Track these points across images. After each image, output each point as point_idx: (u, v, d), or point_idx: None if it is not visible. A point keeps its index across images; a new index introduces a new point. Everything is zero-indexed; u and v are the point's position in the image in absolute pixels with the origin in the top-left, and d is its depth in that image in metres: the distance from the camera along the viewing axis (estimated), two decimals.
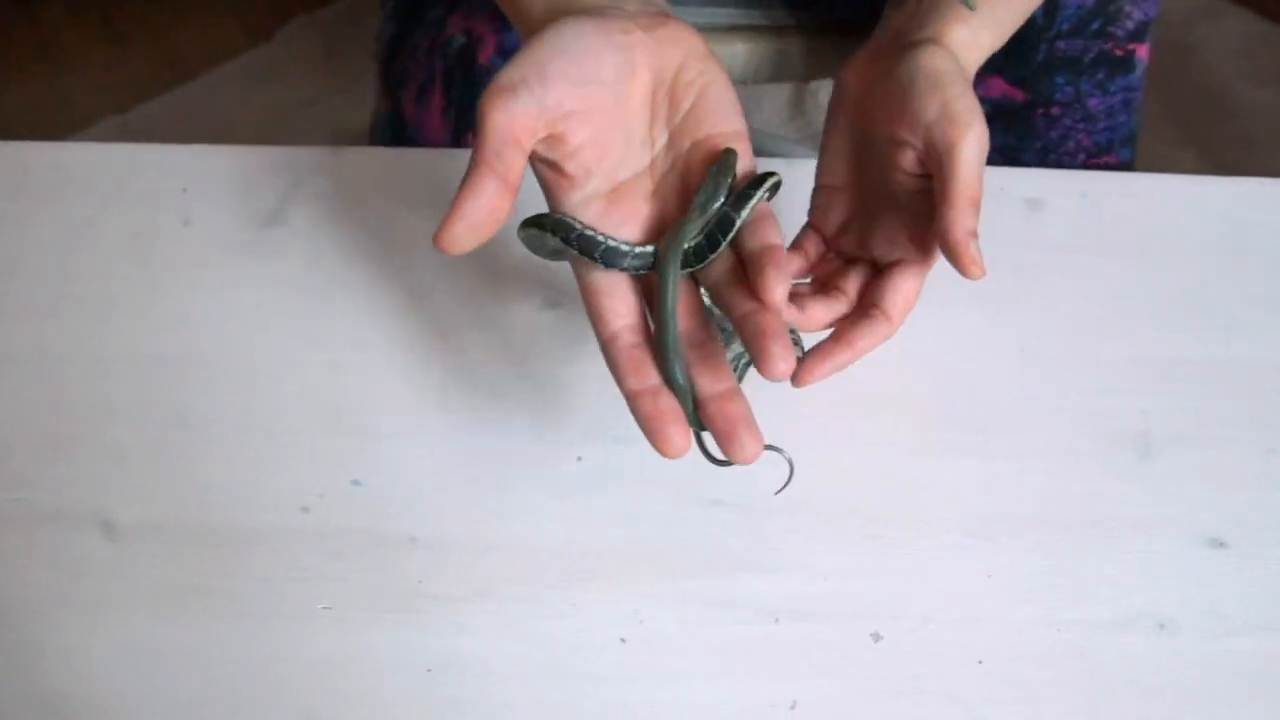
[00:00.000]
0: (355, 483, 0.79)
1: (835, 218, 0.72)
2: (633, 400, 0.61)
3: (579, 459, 0.79)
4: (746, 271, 0.60)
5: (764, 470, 0.78)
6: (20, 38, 2.23)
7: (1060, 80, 1.02)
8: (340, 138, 2.04)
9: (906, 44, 0.69)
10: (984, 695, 0.72)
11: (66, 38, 2.24)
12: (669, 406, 0.59)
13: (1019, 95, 1.03)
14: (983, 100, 0.66)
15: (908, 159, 0.66)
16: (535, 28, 0.64)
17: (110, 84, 2.17)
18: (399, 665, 0.74)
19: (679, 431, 0.59)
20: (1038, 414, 0.80)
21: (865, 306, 0.68)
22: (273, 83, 2.15)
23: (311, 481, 0.79)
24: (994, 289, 0.83)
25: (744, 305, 0.59)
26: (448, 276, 0.85)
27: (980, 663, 0.73)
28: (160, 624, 0.75)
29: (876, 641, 0.74)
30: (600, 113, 0.61)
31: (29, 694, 0.74)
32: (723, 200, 0.61)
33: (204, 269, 0.86)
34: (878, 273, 0.69)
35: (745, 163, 0.63)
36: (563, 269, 0.83)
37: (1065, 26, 1.00)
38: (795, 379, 0.66)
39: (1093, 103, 1.02)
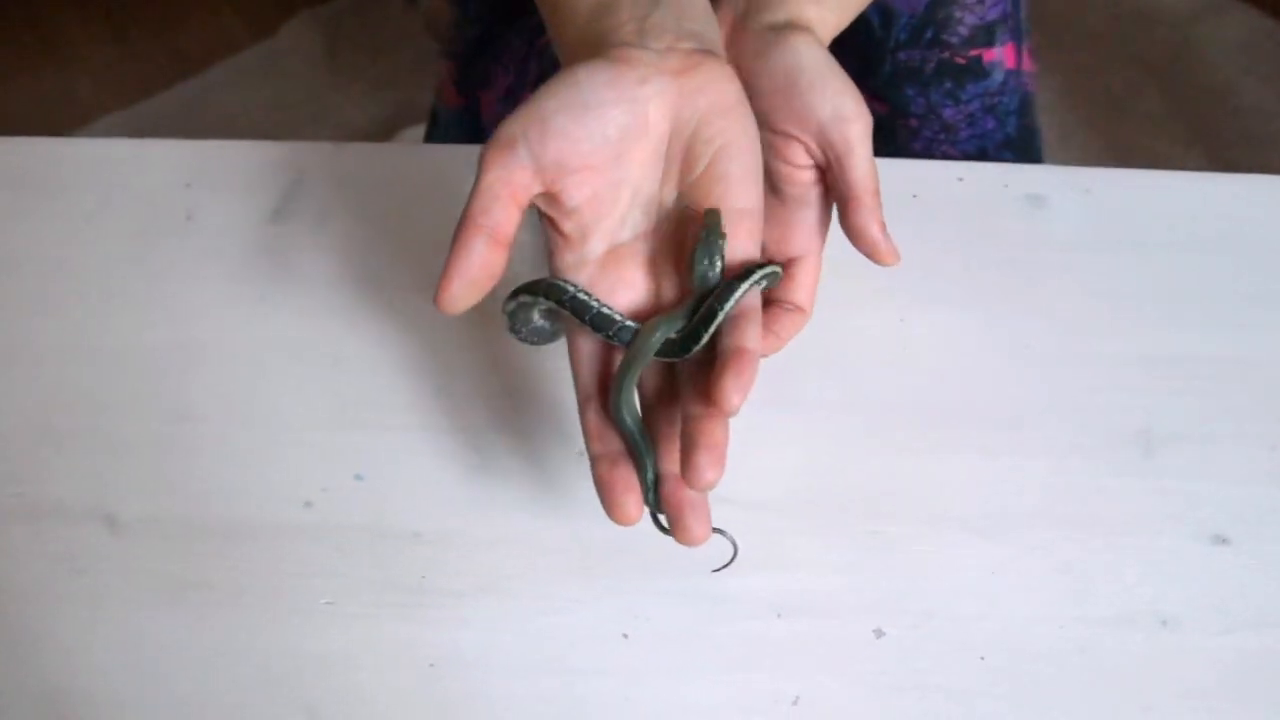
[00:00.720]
0: (358, 477, 0.79)
1: None
2: (594, 463, 0.61)
3: (580, 453, 0.78)
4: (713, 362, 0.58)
5: (766, 470, 0.78)
6: (24, 33, 2.23)
7: (910, 92, 1.02)
8: (343, 133, 2.04)
9: (767, 26, 0.67)
10: (986, 691, 0.72)
11: (71, 33, 2.24)
12: (624, 476, 0.59)
13: (881, 107, 1.03)
14: None
15: (798, 154, 0.65)
16: (565, 56, 0.63)
17: (114, 79, 2.17)
18: (401, 660, 0.74)
19: (632, 501, 0.59)
20: (1040, 411, 0.80)
21: (777, 304, 0.69)
22: (276, 78, 2.15)
23: (314, 476, 0.79)
24: (996, 286, 0.83)
25: (694, 407, 0.58)
26: None
27: (983, 659, 0.73)
28: (162, 618, 0.75)
29: (879, 637, 0.74)
30: (601, 172, 0.59)
31: (30, 688, 0.74)
32: (713, 283, 0.60)
33: (206, 264, 0.86)
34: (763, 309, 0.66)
35: (745, 243, 0.61)
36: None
37: (902, 37, 1.00)
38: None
39: (947, 113, 1.02)
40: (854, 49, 1.06)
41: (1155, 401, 0.80)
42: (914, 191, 0.87)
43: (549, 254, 0.63)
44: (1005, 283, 0.83)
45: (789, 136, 0.65)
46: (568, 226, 0.60)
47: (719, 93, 0.61)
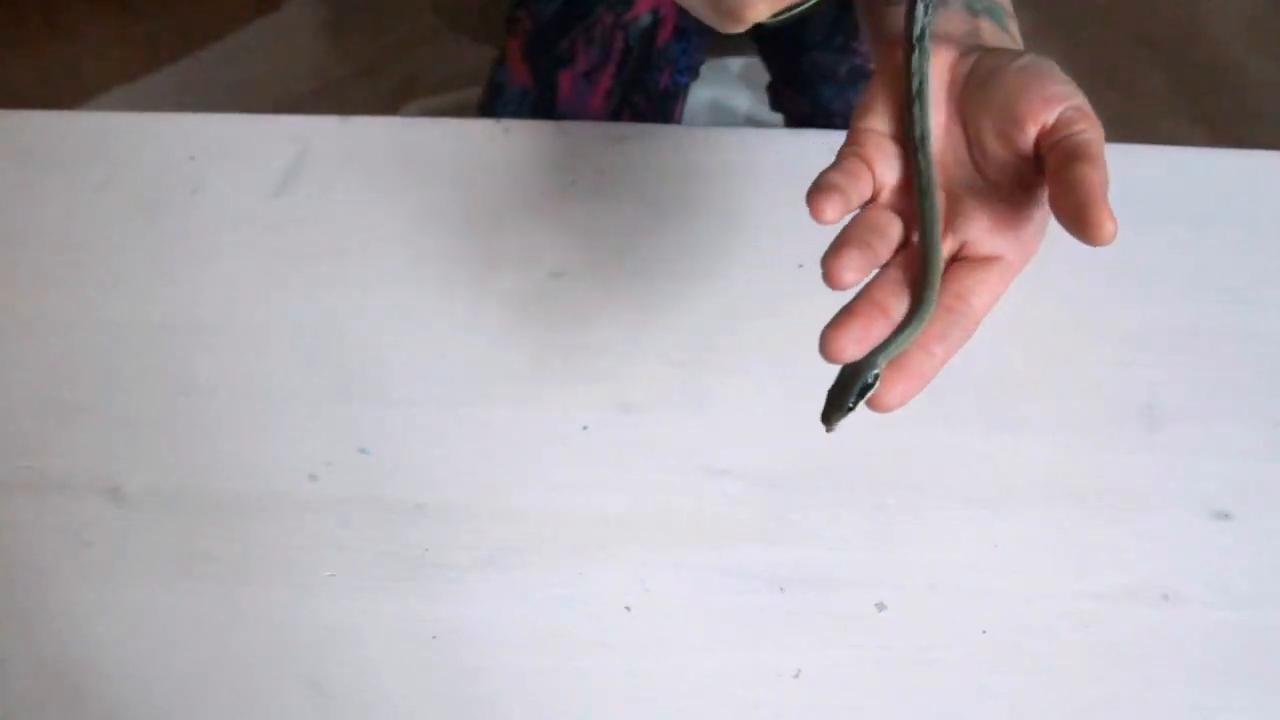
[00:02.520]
0: (362, 451, 0.78)
1: (891, 174, 0.63)
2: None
3: (585, 428, 0.78)
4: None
5: (769, 444, 0.78)
6: (29, 7, 2.22)
7: (828, 92, 1.01)
8: (348, 107, 2.04)
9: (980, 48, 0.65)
10: (988, 664, 0.72)
11: (75, 7, 2.23)
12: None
13: (804, 106, 1.03)
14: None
15: (1027, 137, 0.60)
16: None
17: (119, 53, 2.16)
18: (404, 633, 0.74)
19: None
20: (1044, 386, 0.79)
21: (947, 300, 0.62)
22: (280, 53, 2.14)
23: (319, 449, 0.79)
24: None
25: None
26: (455, 245, 0.84)
27: (984, 632, 0.73)
28: (167, 590, 0.75)
29: (881, 611, 0.74)
30: None
31: (37, 658, 0.74)
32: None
33: (211, 237, 0.86)
34: (957, 263, 0.62)
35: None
36: (570, 239, 0.83)
37: (816, 38, 0.99)
38: (884, 405, 0.59)
39: None
40: (776, 46, 1.07)
41: (1159, 377, 0.79)
42: None
43: None
44: None
45: (1024, 121, 0.61)
46: None
47: None
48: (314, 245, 0.85)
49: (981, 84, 0.62)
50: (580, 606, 0.74)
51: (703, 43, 1.00)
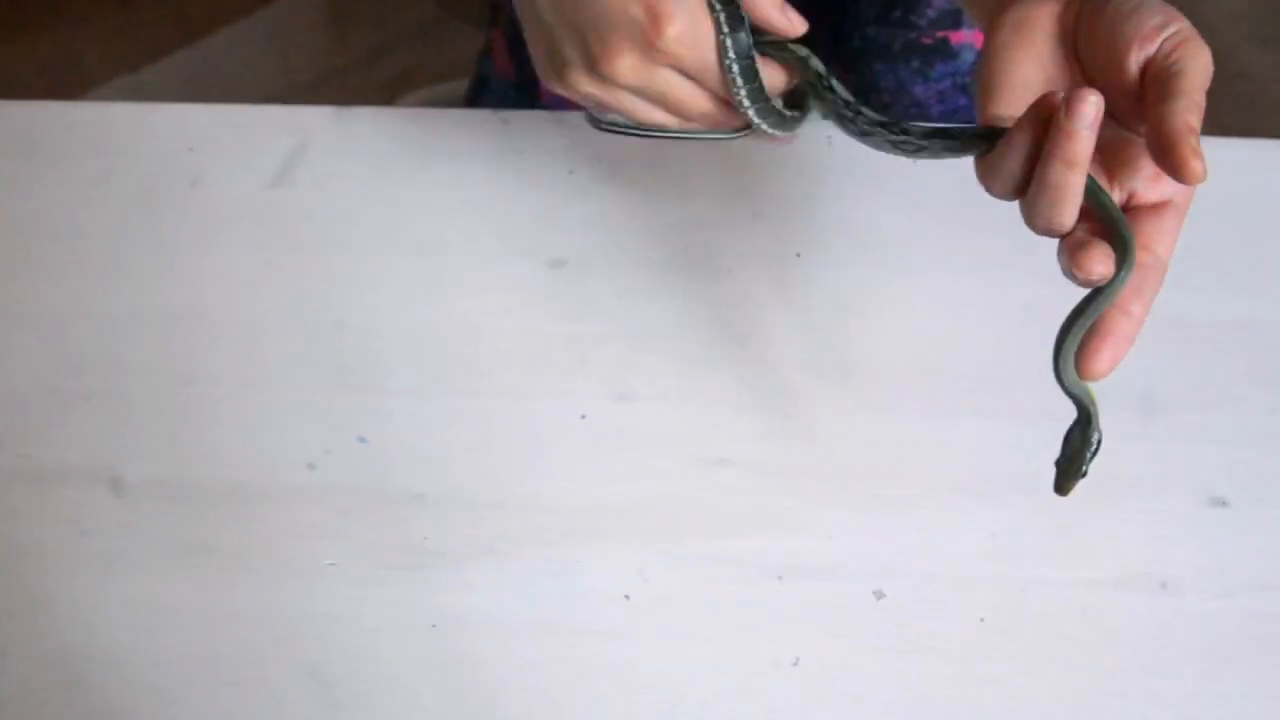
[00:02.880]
0: (361, 440, 0.78)
1: None
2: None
3: (583, 417, 0.78)
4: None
5: (765, 433, 0.78)
6: None
7: (879, 68, 1.01)
8: (347, 98, 2.03)
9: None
10: (985, 653, 0.72)
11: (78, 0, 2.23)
12: None
13: (851, 80, 1.02)
14: None
15: (1133, 77, 0.59)
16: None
17: (119, 44, 2.16)
18: (404, 621, 0.74)
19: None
20: (1039, 374, 0.79)
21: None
22: (280, 44, 2.14)
23: (317, 438, 0.78)
24: (994, 249, 0.82)
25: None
26: (452, 235, 0.84)
27: (982, 620, 0.73)
28: (167, 579, 0.75)
29: (879, 599, 0.74)
30: None
31: (38, 648, 0.74)
32: None
33: (211, 228, 0.85)
34: (1132, 213, 0.62)
35: None
36: (568, 229, 0.83)
37: (870, 14, 0.99)
38: (1096, 373, 0.60)
39: (917, 90, 1.01)
40: (827, 19, 1.06)
41: (1156, 365, 0.79)
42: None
43: None
44: (1003, 246, 0.82)
45: (1130, 54, 0.59)
46: None
47: None
48: (313, 236, 0.85)
49: (1089, 31, 0.60)
50: (579, 595, 0.74)
51: None
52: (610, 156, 0.85)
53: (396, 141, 0.88)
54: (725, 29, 0.59)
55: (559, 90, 0.64)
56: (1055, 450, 0.77)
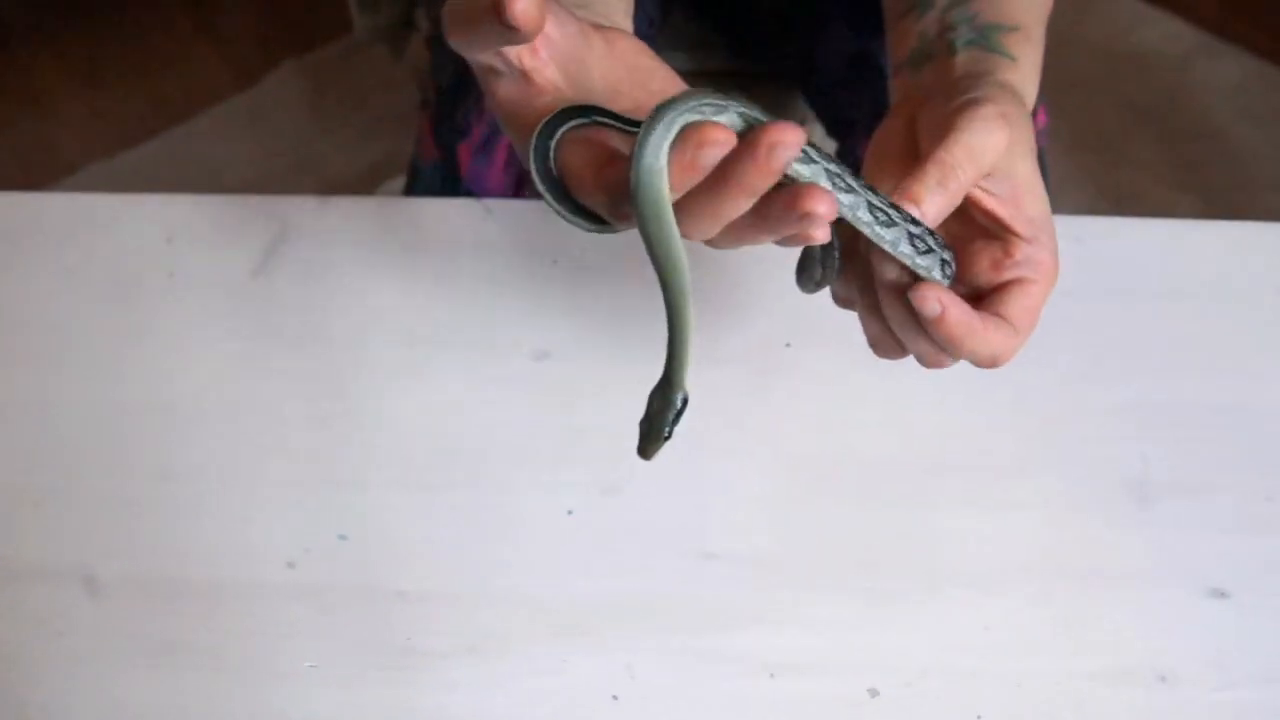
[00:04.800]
0: (341, 537, 0.78)
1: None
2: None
3: (569, 512, 0.78)
4: None
5: (756, 525, 0.78)
6: (3, 83, 2.24)
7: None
8: (328, 182, 2.05)
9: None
10: None
11: (49, 81, 2.25)
12: None
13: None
14: None
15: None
16: None
17: (94, 129, 2.18)
18: None
19: None
20: (1034, 463, 0.80)
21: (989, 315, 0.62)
22: (260, 127, 2.16)
23: (297, 535, 0.79)
24: None
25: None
26: (435, 327, 0.85)
27: (979, 717, 0.73)
28: (142, 681, 0.75)
29: (873, 696, 0.73)
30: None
31: None
32: None
33: (188, 320, 0.86)
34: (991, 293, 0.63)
35: None
36: (553, 320, 0.83)
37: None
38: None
39: None
40: (870, 89, 1.07)
41: (1150, 452, 0.80)
42: None
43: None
44: None
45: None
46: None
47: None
48: (292, 327, 0.86)
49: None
50: (566, 695, 0.74)
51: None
52: (595, 247, 0.86)
53: (378, 231, 0.89)
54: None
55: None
56: (1051, 542, 0.78)
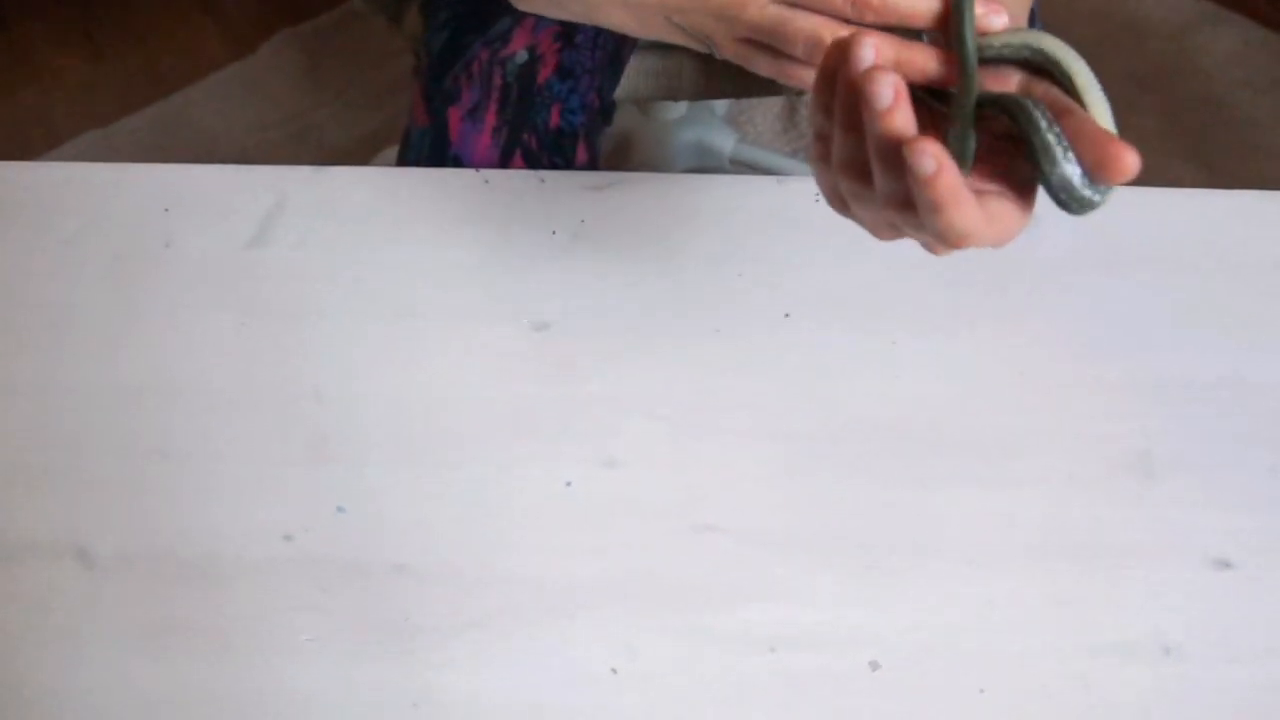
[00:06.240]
0: (340, 510, 0.78)
1: None
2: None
3: (568, 484, 0.78)
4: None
5: (758, 501, 0.78)
6: None
7: None
8: (326, 153, 2.04)
9: None
10: None
11: (45, 51, 2.24)
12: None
13: None
14: None
15: None
16: None
17: (90, 98, 2.17)
18: (385, 700, 0.73)
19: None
20: (1037, 438, 0.79)
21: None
22: (256, 97, 2.15)
23: (294, 510, 0.78)
24: (989, 309, 0.82)
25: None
26: (433, 298, 0.84)
27: (981, 691, 0.72)
28: (139, 658, 0.75)
29: (874, 670, 0.73)
30: None
31: None
32: None
33: (185, 292, 0.85)
34: None
35: None
36: (552, 291, 0.83)
37: None
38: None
39: None
40: None
41: (1154, 426, 0.79)
42: None
43: None
44: (997, 305, 0.83)
45: None
46: None
47: None
48: (289, 300, 0.85)
49: None
50: (565, 671, 0.74)
51: (594, 83, 1.00)
52: (594, 216, 0.85)
53: (375, 201, 0.88)
54: None
55: (730, 50, 0.63)
56: (1054, 518, 0.77)
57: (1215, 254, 0.86)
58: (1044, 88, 0.58)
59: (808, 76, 0.64)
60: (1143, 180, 0.95)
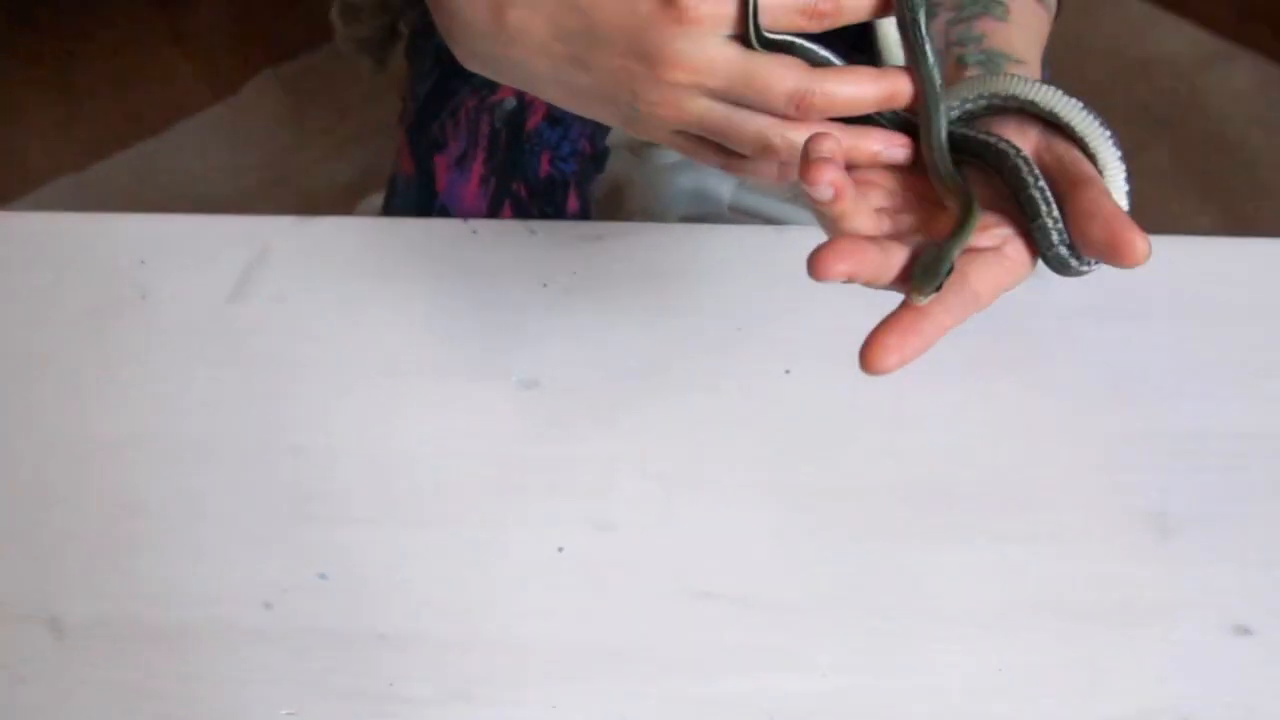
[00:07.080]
0: (321, 576, 0.78)
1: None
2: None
3: (560, 549, 0.78)
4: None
5: (757, 562, 0.77)
6: None
7: None
8: (308, 199, 2.05)
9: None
10: None
11: (18, 92, 2.24)
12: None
13: None
14: None
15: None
16: None
17: (65, 140, 2.17)
18: None
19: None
20: (1048, 494, 0.79)
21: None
22: (237, 140, 2.16)
23: (274, 574, 0.78)
24: (998, 360, 0.82)
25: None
26: (418, 352, 0.84)
27: None
28: None
29: None
30: None
31: None
32: None
33: (161, 346, 0.85)
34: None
35: None
36: (542, 346, 0.83)
37: None
38: (873, 363, 0.59)
39: None
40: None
41: (1169, 481, 0.79)
42: None
43: None
44: (1006, 355, 0.83)
45: None
46: None
47: None
48: (270, 354, 0.85)
49: None
50: None
51: (585, 129, 1.00)
52: (586, 268, 0.86)
53: (359, 252, 0.88)
54: None
55: (671, 142, 0.63)
56: (1067, 578, 0.77)
57: (1229, 302, 0.86)
58: (1064, 147, 0.60)
59: (763, 168, 0.64)
60: (1156, 222, 0.95)
